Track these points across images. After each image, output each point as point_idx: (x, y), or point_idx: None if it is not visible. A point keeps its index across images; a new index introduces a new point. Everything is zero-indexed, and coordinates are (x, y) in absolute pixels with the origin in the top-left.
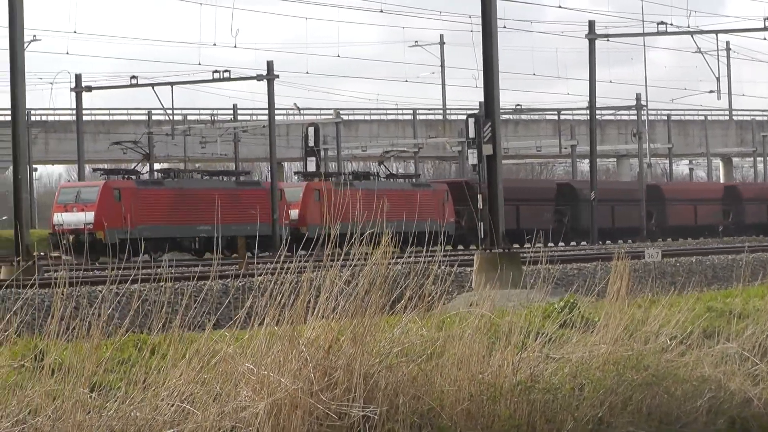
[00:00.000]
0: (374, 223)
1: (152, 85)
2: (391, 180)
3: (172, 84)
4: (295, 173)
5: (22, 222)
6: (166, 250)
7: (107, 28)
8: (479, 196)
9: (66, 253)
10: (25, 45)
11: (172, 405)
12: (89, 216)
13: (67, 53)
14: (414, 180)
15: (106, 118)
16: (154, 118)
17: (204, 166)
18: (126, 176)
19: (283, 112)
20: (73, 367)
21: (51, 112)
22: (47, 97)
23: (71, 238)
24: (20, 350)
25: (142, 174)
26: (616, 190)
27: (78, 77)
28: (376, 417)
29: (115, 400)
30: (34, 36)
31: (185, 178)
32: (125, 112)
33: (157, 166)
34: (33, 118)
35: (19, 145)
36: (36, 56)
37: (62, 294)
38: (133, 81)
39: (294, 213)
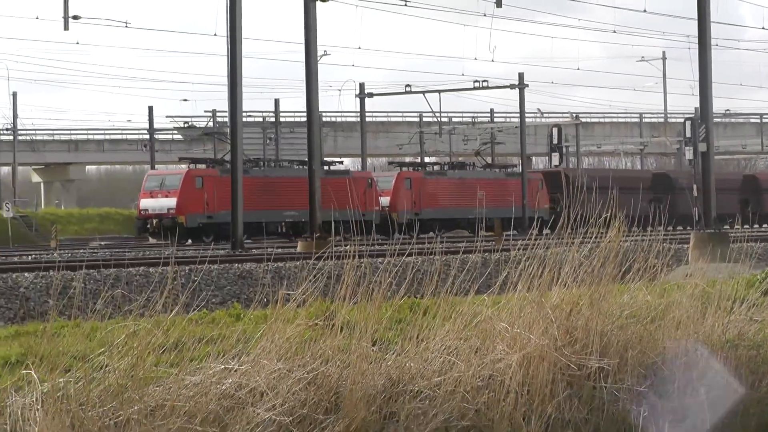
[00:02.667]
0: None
1: (423, 92)
2: (486, 170)
3: (439, 91)
4: (389, 162)
5: (315, 205)
6: (250, 234)
7: (386, 44)
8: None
9: (151, 236)
10: (318, 58)
11: (440, 357)
12: (171, 202)
13: (353, 65)
14: (508, 170)
15: (384, 119)
16: (424, 119)
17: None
18: (211, 165)
19: (531, 115)
20: (359, 325)
21: (339, 114)
22: (336, 102)
23: (154, 222)
24: (315, 311)
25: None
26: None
27: (361, 85)
28: (609, 368)
29: (393, 353)
30: (325, 51)
31: (272, 168)
32: (400, 114)
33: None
34: (324, 119)
35: (313, 142)
36: (327, 68)
37: (351, 265)
38: (407, 89)
39: (385, 200)
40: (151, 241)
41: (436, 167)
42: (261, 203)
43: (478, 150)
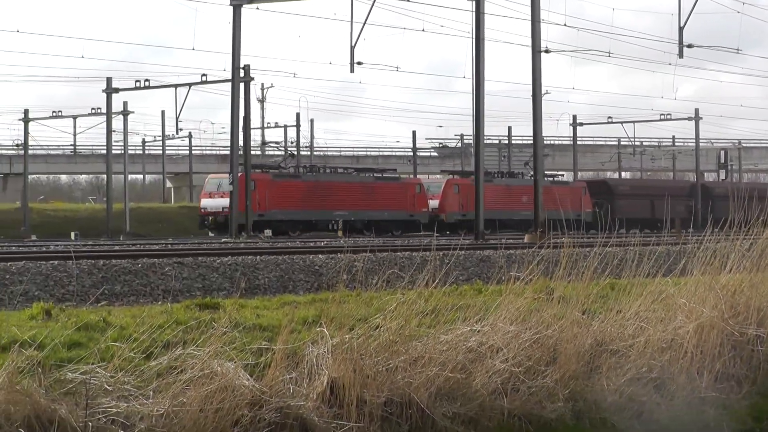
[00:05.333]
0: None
1: (621, 122)
2: (531, 178)
3: (633, 122)
4: (441, 171)
5: (537, 206)
6: (301, 231)
7: (593, 85)
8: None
9: (210, 230)
10: (542, 95)
11: (633, 324)
12: (225, 202)
13: (568, 102)
14: (553, 178)
15: (591, 142)
16: (621, 143)
17: None
18: (265, 170)
19: (704, 141)
20: (571, 299)
21: (556, 138)
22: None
23: (210, 219)
24: (538, 287)
25: (285, 169)
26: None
27: (574, 117)
28: (764, 336)
29: (597, 320)
30: (547, 90)
31: (323, 173)
32: (603, 139)
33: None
34: (545, 142)
35: (538, 159)
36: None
37: (566, 253)
38: (609, 119)
39: (434, 203)
40: (210, 235)
41: (485, 175)
42: (307, 204)
43: (528, 161)
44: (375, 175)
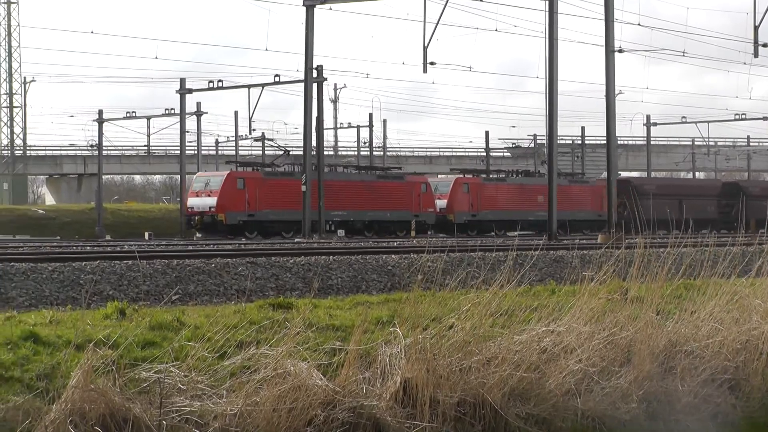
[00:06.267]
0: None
1: (695, 122)
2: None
3: (708, 122)
4: (451, 169)
5: (611, 205)
6: (294, 232)
7: (666, 84)
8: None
9: (198, 231)
10: (615, 95)
11: (708, 325)
12: (212, 201)
13: (642, 101)
14: (571, 177)
15: (665, 142)
16: (696, 143)
17: None
18: (255, 168)
19: None
20: (645, 299)
21: (629, 138)
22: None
23: (197, 218)
24: (611, 288)
25: (279, 167)
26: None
27: (648, 116)
28: None
29: (672, 321)
30: (620, 90)
31: (328, 172)
32: (677, 139)
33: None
34: (618, 142)
35: (611, 160)
36: (621, 103)
37: (639, 253)
38: (683, 119)
39: (441, 203)
40: (198, 236)
41: (497, 174)
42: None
43: (543, 160)
44: (377, 173)
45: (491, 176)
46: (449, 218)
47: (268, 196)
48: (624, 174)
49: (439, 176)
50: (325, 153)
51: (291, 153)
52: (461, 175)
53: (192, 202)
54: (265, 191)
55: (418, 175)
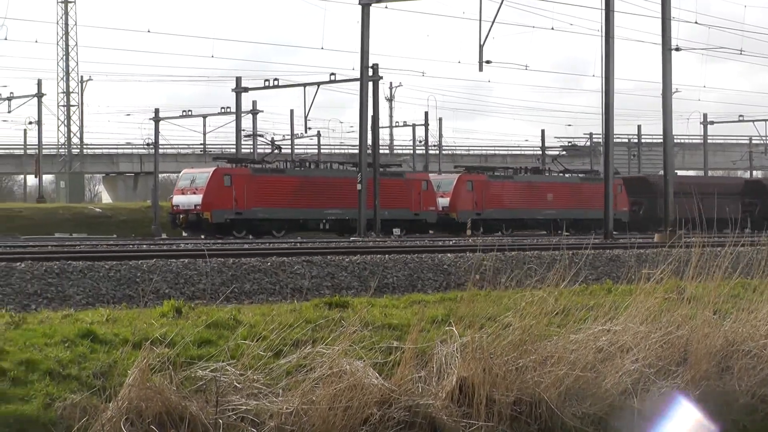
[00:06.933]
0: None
1: (753, 120)
2: (559, 174)
3: (765, 120)
4: (455, 166)
5: (667, 202)
6: (287, 231)
7: (724, 83)
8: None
9: (183, 230)
10: (672, 93)
11: (766, 324)
12: (198, 198)
13: (699, 99)
14: (582, 174)
15: (722, 141)
16: (753, 141)
17: None
18: (244, 165)
19: None
20: (702, 299)
21: (686, 137)
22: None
23: (182, 217)
24: (668, 287)
25: (271, 163)
26: None
27: (705, 115)
28: None
29: (729, 320)
30: (677, 89)
31: (312, 168)
32: (734, 138)
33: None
34: (675, 140)
35: (667, 158)
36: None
37: (696, 252)
38: (740, 117)
39: (444, 201)
40: (184, 234)
41: (503, 171)
42: (293, 202)
43: (555, 156)
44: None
45: (497, 173)
46: (452, 217)
47: (258, 194)
48: (680, 173)
49: (442, 174)
50: (381, 152)
51: (282, 150)
52: (469, 172)
53: (177, 199)
54: (254, 188)
55: (419, 173)
